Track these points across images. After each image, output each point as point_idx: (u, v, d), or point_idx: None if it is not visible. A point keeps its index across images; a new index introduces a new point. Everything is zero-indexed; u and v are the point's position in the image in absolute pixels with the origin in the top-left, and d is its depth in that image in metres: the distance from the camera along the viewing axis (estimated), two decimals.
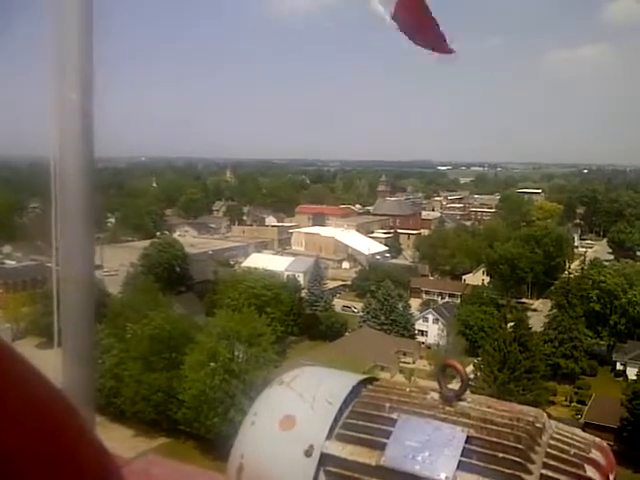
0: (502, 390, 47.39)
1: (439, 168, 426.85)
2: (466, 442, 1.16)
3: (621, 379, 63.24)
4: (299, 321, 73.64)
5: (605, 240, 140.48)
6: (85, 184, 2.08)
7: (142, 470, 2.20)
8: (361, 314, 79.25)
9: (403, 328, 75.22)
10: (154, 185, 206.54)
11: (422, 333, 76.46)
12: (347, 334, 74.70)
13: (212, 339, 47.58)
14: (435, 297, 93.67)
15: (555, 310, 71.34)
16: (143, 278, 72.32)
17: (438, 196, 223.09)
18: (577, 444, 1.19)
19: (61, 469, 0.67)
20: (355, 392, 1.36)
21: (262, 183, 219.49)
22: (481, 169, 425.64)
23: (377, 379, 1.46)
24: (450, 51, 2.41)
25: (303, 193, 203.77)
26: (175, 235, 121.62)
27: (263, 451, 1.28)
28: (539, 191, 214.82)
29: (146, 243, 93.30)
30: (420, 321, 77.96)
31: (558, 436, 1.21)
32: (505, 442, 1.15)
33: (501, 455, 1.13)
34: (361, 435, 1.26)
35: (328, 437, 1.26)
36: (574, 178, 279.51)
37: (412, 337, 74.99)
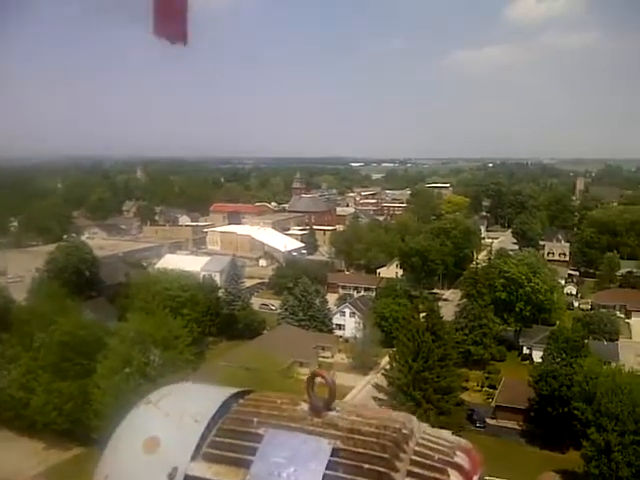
0: (417, 379, 48.63)
1: (352, 165, 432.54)
2: (332, 454, 1.13)
3: (528, 362, 66.67)
4: (217, 321, 72.77)
5: (510, 231, 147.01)
6: None
7: None
8: (279, 311, 79.31)
9: (321, 323, 75.99)
10: (59, 185, 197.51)
11: (340, 327, 77.49)
12: (266, 332, 74.55)
13: (125, 344, 46.19)
14: (351, 291, 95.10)
15: (465, 299, 74.15)
16: (49, 283, 69.13)
17: (352, 192, 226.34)
18: (442, 448, 1.18)
19: None
20: (225, 408, 1.30)
21: (175, 181, 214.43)
22: (392, 165, 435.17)
23: (250, 391, 1.40)
24: (183, 39, 2.29)
25: (218, 191, 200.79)
26: (83, 238, 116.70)
27: (125, 475, 1.22)
28: (447, 185, 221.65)
29: (52, 247, 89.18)
30: (337, 315, 78.97)
31: (424, 442, 1.20)
32: (371, 452, 1.13)
33: (366, 466, 1.11)
34: (227, 453, 1.22)
35: (194, 457, 1.22)
36: (480, 172, 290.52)
37: (330, 332, 75.92)
